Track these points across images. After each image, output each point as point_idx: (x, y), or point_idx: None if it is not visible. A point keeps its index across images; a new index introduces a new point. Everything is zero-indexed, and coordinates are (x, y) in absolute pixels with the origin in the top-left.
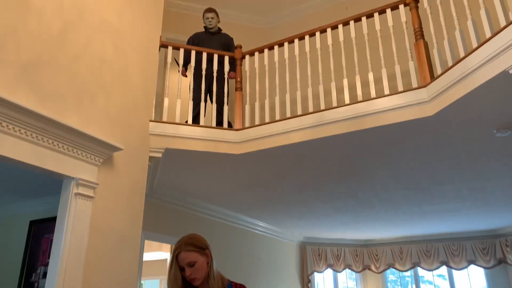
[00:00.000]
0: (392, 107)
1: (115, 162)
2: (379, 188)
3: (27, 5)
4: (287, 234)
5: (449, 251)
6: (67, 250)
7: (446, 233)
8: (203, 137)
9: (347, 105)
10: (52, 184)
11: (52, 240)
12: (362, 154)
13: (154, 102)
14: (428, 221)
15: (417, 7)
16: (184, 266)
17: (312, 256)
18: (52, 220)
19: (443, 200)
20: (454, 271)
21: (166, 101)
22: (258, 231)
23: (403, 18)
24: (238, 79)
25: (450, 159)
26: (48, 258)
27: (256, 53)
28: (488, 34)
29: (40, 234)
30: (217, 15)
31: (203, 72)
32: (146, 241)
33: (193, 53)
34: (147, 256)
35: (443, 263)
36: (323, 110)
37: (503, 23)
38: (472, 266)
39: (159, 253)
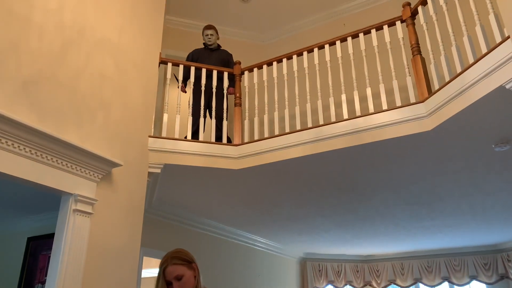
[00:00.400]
0: (390, 122)
1: (114, 178)
2: (379, 203)
3: (28, 23)
4: (287, 250)
5: (451, 267)
6: (65, 267)
7: (447, 248)
8: (202, 153)
9: (346, 120)
10: (51, 201)
11: (49, 257)
12: (361, 169)
13: (154, 117)
14: (429, 236)
15: (413, 24)
16: (172, 280)
17: (313, 272)
18: (50, 236)
19: (443, 214)
20: (456, 287)
21: (165, 117)
22: (258, 247)
23: (400, 34)
24: (237, 95)
25: (450, 174)
26: (46, 275)
27: (255, 69)
28: (484, 49)
29: (38, 251)
30: (217, 32)
31: (203, 88)
32: (145, 258)
33: (192, 69)
34: (146, 273)
35: (445, 278)
36: (321, 125)
37: (498, 39)
38: (474, 282)
39: (157, 270)
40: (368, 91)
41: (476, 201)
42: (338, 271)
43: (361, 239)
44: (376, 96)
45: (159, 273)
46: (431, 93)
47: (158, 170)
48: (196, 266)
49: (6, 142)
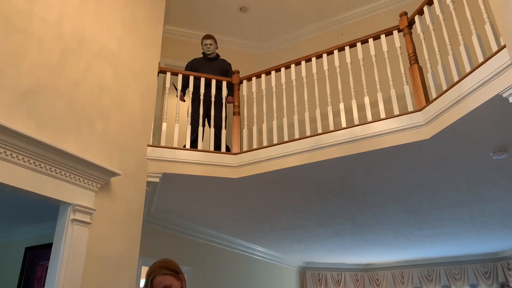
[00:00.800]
0: (388, 130)
1: (112, 187)
2: (378, 211)
3: (28, 33)
4: (286, 259)
5: (451, 275)
6: (63, 277)
7: (447, 257)
8: (201, 162)
9: (344, 128)
10: (49, 210)
11: (47, 267)
12: (360, 178)
13: (152, 126)
14: (428, 245)
15: (410, 33)
16: None
17: (312, 281)
18: (48, 246)
19: (442, 223)
20: None
21: (164, 126)
22: (257, 256)
23: (397, 44)
24: (236, 104)
25: (448, 182)
26: (43, 285)
27: (254, 78)
28: (480, 58)
29: (36, 261)
30: (215, 42)
31: (201, 97)
32: (143, 267)
33: (191, 78)
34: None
35: (445, 287)
36: (320, 134)
37: (494, 48)
38: None
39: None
40: (366, 100)
41: (475, 209)
42: (338, 280)
43: (360, 248)
44: (374, 104)
45: (146, 283)
46: (428, 101)
47: (157, 179)
48: (183, 277)
49: (5, 152)
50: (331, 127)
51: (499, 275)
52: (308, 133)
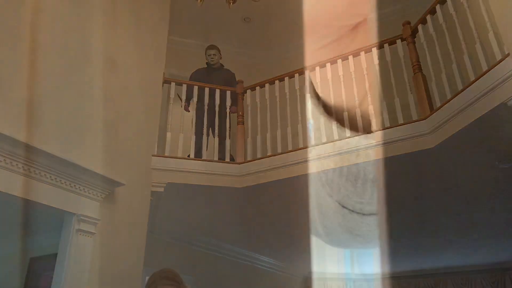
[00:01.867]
0: (393, 139)
1: (117, 197)
2: (382, 220)
3: (34, 44)
4: (291, 268)
5: (458, 286)
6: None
7: (453, 267)
8: (205, 171)
9: (348, 138)
10: (54, 220)
11: (52, 278)
12: (363, 187)
13: (157, 136)
14: (434, 255)
15: (414, 42)
16: None
17: None
18: (52, 257)
19: (448, 232)
20: None
21: (168, 136)
22: (261, 266)
23: (401, 53)
24: (240, 113)
25: (454, 191)
26: None
27: (258, 88)
28: (484, 67)
29: (40, 271)
30: (219, 52)
31: (205, 107)
32: (147, 278)
33: (195, 89)
34: None
35: None
36: (324, 143)
37: (498, 56)
38: None
39: None
40: (370, 109)
41: (481, 218)
42: None
43: (366, 257)
44: (378, 113)
45: None
46: (433, 110)
47: (161, 189)
48: None
49: (11, 162)
50: (336, 136)
51: (507, 286)
52: (312, 142)
